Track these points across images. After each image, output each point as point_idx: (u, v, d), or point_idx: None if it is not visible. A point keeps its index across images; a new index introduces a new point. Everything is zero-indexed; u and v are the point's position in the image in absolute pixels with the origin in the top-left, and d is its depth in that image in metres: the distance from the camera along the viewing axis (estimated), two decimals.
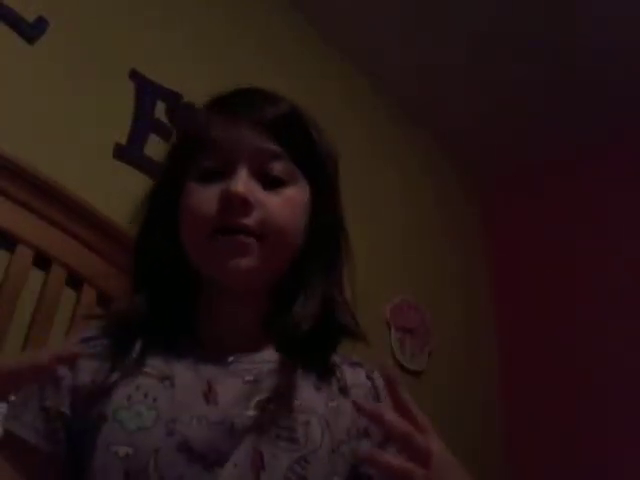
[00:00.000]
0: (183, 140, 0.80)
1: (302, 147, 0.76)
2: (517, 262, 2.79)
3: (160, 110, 1.77)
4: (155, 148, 1.73)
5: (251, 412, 0.68)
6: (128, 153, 1.67)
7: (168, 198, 0.76)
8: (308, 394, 0.72)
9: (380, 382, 0.78)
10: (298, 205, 0.74)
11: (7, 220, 1.33)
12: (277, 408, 0.69)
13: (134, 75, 1.75)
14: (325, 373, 0.75)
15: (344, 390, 0.75)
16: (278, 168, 0.73)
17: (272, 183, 0.73)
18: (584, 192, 2.68)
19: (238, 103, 0.77)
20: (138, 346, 0.72)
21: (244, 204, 0.70)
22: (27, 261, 1.34)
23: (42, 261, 1.38)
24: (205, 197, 0.71)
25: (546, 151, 2.76)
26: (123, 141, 1.67)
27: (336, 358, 0.78)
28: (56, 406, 0.69)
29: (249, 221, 0.70)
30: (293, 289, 0.74)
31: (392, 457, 0.57)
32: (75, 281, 1.43)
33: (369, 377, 0.79)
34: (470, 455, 2.48)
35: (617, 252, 2.50)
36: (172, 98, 1.81)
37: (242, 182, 0.70)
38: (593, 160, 2.69)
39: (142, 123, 1.72)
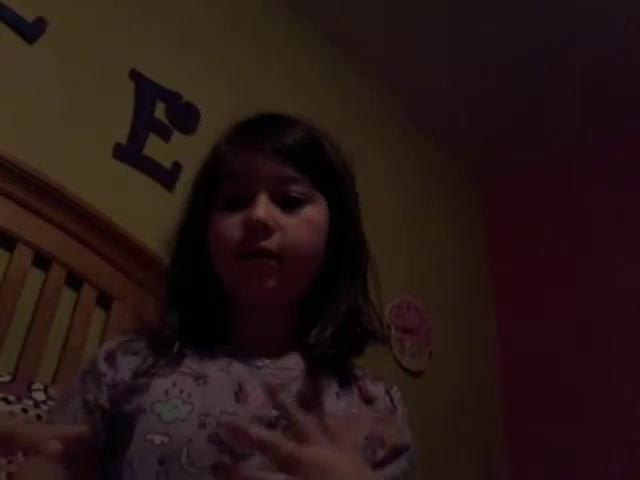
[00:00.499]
0: (206, 170, 0.85)
1: (319, 169, 0.81)
2: (517, 262, 2.79)
3: (160, 110, 1.78)
4: (155, 148, 1.73)
5: (277, 412, 0.71)
6: (128, 153, 1.67)
7: (197, 227, 0.82)
8: (330, 400, 0.76)
9: (397, 396, 0.84)
10: (316, 223, 0.80)
11: (7, 220, 1.33)
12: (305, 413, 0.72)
13: (134, 75, 1.75)
14: (347, 381, 0.80)
15: (367, 400, 0.80)
16: (296, 190, 0.79)
17: (291, 204, 0.78)
18: (584, 192, 2.68)
19: (256, 131, 0.81)
20: (175, 347, 0.78)
21: (265, 228, 0.76)
22: (27, 261, 1.34)
23: (42, 261, 1.38)
24: (230, 224, 0.78)
25: (546, 151, 2.76)
26: (123, 141, 1.67)
27: (358, 371, 0.83)
28: (96, 399, 0.75)
29: (270, 244, 0.76)
30: (319, 301, 0.80)
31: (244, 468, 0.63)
32: (75, 281, 1.43)
33: (387, 392, 0.84)
34: (470, 455, 2.50)
35: (617, 252, 2.50)
36: (172, 98, 1.81)
37: (262, 208, 0.76)
38: (593, 160, 2.69)
39: (142, 123, 1.72)
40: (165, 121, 1.78)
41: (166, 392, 0.73)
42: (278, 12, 2.30)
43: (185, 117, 1.82)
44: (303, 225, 0.78)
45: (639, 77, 2.44)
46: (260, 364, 0.78)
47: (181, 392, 0.73)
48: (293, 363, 0.79)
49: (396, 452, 0.76)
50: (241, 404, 0.73)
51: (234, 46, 2.09)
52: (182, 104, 1.83)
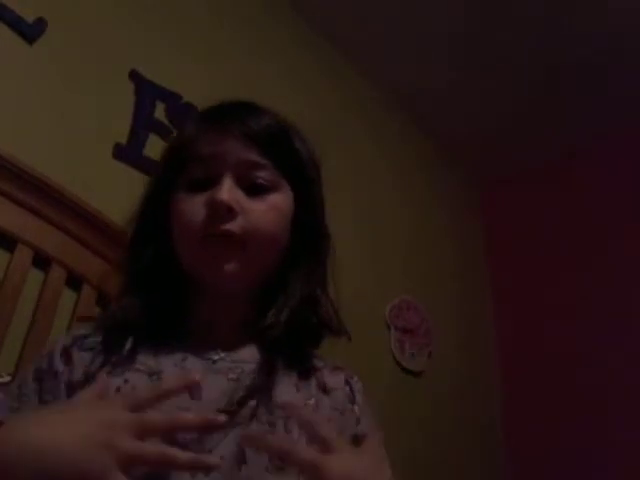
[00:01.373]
0: (173, 152, 0.84)
1: (285, 156, 0.80)
2: (516, 262, 2.79)
3: (160, 110, 1.78)
4: (155, 148, 1.73)
5: (234, 408, 0.71)
6: (128, 153, 1.67)
7: (159, 206, 0.81)
8: (288, 392, 0.75)
9: (357, 386, 0.83)
10: (281, 211, 0.79)
11: (6, 220, 1.32)
12: (257, 404, 0.72)
13: (134, 75, 1.74)
14: (305, 373, 0.79)
15: (324, 389, 0.79)
16: (262, 176, 0.78)
17: (256, 190, 0.78)
18: (583, 192, 2.68)
19: (224, 116, 0.81)
20: (129, 343, 0.76)
21: (228, 211, 0.75)
22: (27, 261, 1.34)
23: (42, 261, 1.38)
24: (194, 205, 0.76)
25: (545, 151, 2.76)
26: (123, 141, 1.67)
27: (318, 362, 0.82)
28: (54, 399, 0.72)
29: (233, 227, 0.75)
30: (276, 291, 0.79)
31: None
32: (75, 281, 1.43)
33: (347, 381, 0.83)
34: (470, 455, 2.50)
35: (617, 252, 2.50)
36: (172, 99, 1.81)
37: (226, 190, 0.75)
38: (592, 160, 2.69)
39: (142, 123, 1.72)
40: (165, 121, 1.78)
41: (117, 389, 0.71)
42: (278, 12, 2.30)
43: (185, 117, 1.82)
44: (267, 211, 0.77)
45: (639, 77, 2.43)
46: (215, 357, 0.76)
47: (133, 389, 0.71)
48: (249, 355, 0.78)
49: (355, 442, 0.75)
50: (195, 400, 0.70)
51: (234, 46, 2.09)
52: (182, 104, 1.83)
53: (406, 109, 2.69)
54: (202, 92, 1.89)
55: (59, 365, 0.74)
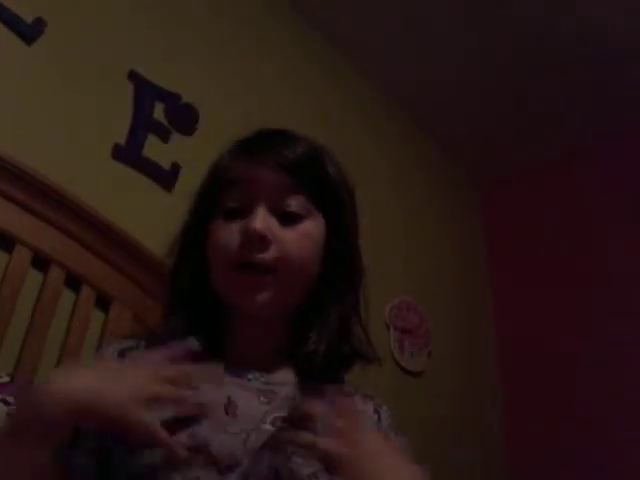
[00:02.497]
0: (209, 182, 0.87)
1: (318, 184, 0.82)
2: (516, 262, 2.78)
3: (159, 111, 1.77)
4: (154, 149, 1.73)
5: (267, 426, 0.74)
6: (127, 154, 1.66)
7: (198, 235, 0.84)
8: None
9: (385, 415, 0.85)
10: (313, 239, 0.81)
11: (5, 221, 1.32)
12: (293, 426, 0.73)
13: (133, 76, 1.74)
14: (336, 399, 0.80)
15: None
16: (294, 204, 0.80)
17: (289, 219, 0.80)
18: (583, 192, 2.68)
19: (259, 146, 0.83)
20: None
21: (262, 240, 0.77)
22: (25, 262, 1.34)
23: (40, 262, 1.37)
24: (228, 234, 0.79)
25: (545, 151, 2.76)
26: (122, 142, 1.67)
27: (349, 388, 0.85)
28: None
29: (266, 256, 0.77)
30: (311, 316, 0.81)
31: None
32: (74, 282, 1.42)
33: (376, 410, 0.85)
34: (470, 455, 2.49)
35: (617, 252, 2.49)
36: (171, 99, 1.81)
37: (260, 219, 0.77)
38: (592, 160, 2.69)
39: (141, 124, 1.71)
40: (164, 122, 1.78)
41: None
42: (278, 12, 2.30)
43: (184, 118, 1.82)
44: (300, 239, 0.79)
45: (639, 77, 2.43)
46: (250, 377, 0.79)
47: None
48: (284, 377, 0.80)
49: None
50: (230, 416, 0.74)
51: (234, 46, 2.08)
52: (181, 105, 1.83)
53: (406, 109, 2.68)
54: (201, 92, 1.89)
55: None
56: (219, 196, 0.82)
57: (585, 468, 2.28)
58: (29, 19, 1.55)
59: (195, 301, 0.83)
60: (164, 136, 1.76)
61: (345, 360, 0.82)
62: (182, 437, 0.70)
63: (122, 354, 0.80)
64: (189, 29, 1.95)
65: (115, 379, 0.68)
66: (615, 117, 2.56)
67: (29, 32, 1.55)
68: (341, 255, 0.84)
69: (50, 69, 1.57)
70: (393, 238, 2.43)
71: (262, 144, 0.83)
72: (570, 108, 2.59)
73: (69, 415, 0.65)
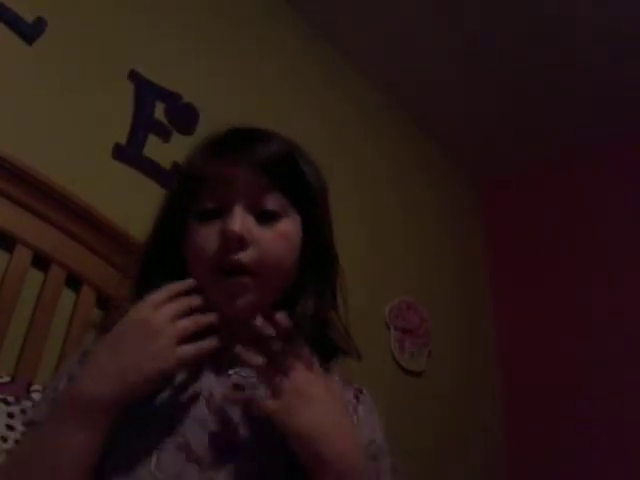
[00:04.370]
0: (182, 182, 0.85)
1: (293, 182, 0.82)
2: (516, 262, 2.79)
3: (159, 111, 1.77)
4: (154, 149, 1.73)
5: (249, 424, 0.74)
6: (127, 154, 1.66)
7: (171, 231, 0.83)
8: None
9: (364, 399, 0.85)
10: (290, 238, 0.81)
11: (6, 220, 1.32)
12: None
13: (133, 76, 1.74)
14: None
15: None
16: (271, 203, 0.79)
17: (266, 217, 0.79)
18: (583, 192, 2.68)
19: (232, 144, 0.82)
20: None
21: (240, 241, 0.76)
22: (26, 262, 1.34)
23: (41, 262, 1.38)
24: (206, 236, 0.78)
25: (545, 151, 2.76)
26: (122, 142, 1.67)
27: (331, 377, 0.83)
28: None
29: (245, 258, 0.76)
30: (288, 309, 0.80)
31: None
32: (74, 282, 1.43)
33: (356, 396, 0.85)
34: (470, 455, 2.49)
35: (617, 252, 2.50)
36: (171, 99, 1.81)
37: (237, 220, 0.76)
38: (592, 160, 2.69)
39: (141, 124, 1.71)
40: (165, 122, 1.78)
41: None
42: (278, 12, 2.30)
43: (185, 118, 1.82)
44: (278, 239, 0.79)
45: (639, 77, 2.43)
46: (231, 372, 0.80)
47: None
48: None
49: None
50: (212, 414, 0.74)
51: (234, 46, 2.08)
52: (182, 104, 1.83)
53: (406, 109, 2.69)
54: (202, 92, 1.89)
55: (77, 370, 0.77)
56: (193, 197, 0.81)
57: (585, 468, 2.28)
58: (29, 19, 1.55)
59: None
60: (165, 136, 1.76)
61: (325, 352, 0.82)
62: (164, 432, 0.72)
63: (84, 356, 0.79)
64: (189, 29, 1.95)
65: (140, 343, 0.70)
66: (615, 117, 2.56)
67: (29, 32, 1.55)
68: (317, 251, 0.84)
69: (50, 69, 1.57)
70: (393, 238, 2.43)
71: (236, 143, 0.82)
72: (570, 108, 2.59)
73: (119, 396, 0.68)
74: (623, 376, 2.31)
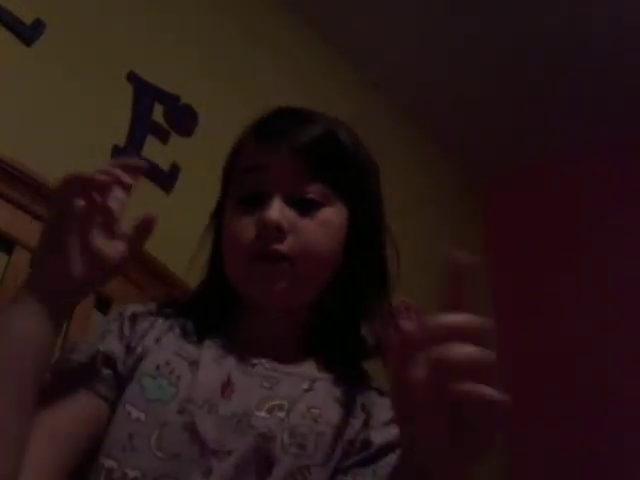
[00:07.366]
0: (226, 169, 0.84)
1: (337, 168, 0.78)
2: (516, 262, 2.78)
3: (158, 112, 1.77)
4: (153, 150, 1.73)
5: (262, 414, 0.70)
6: (126, 155, 1.66)
7: (217, 226, 0.83)
8: (328, 406, 0.73)
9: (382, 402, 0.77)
10: (333, 227, 0.77)
11: (5, 222, 1.33)
12: (291, 415, 0.70)
13: (132, 77, 1.74)
14: (350, 390, 0.76)
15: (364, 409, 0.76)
16: (312, 191, 0.76)
17: (307, 207, 0.76)
18: (584, 191, 2.68)
19: (272, 130, 0.79)
20: (178, 330, 0.78)
21: (278, 230, 0.73)
22: (25, 263, 1.34)
23: None
24: (243, 225, 0.76)
25: (545, 151, 2.75)
26: (121, 143, 1.67)
27: (370, 382, 0.80)
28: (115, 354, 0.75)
29: (283, 247, 0.74)
30: (333, 306, 0.77)
31: None
32: None
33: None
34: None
35: (617, 252, 2.49)
36: (170, 100, 1.81)
37: (275, 209, 0.74)
38: (592, 160, 2.68)
39: (140, 125, 1.72)
40: (163, 123, 1.78)
41: (157, 367, 0.73)
42: (278, 12, 2.30)
43: (183, 119, 1.82)
44: (318, 228, 0.75)
45: (639, 77, 2.43)
46: (255, 361, 0.76)
47: (171, 373, 0.72)
48: (296, 370, 0.77)
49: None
50: (225, 399, 0.71)
51: (233, 47, 2.08)
52: (180, 106, 1.83)
53: (406, 110, 2.68)
54: (201, 94, 1.89)
55: (126, 329, 0.77)
56: (233, 184, 0.79)
57: (585, 468, 2.28)
58: (28, 20, 1.55)
59: (209, 291, 0.82)
60: (163, 137, 1.76)
61: (363, 352, 0.79)
62: (172, 410, 0.69)
63: (134, 317, 0.79)
64: (188, 30, 1.95)
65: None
66: (615, 117, 2.56)
67: (28, 33, 1.55)
68: (365, 241, 0.79)
69: (49, 70, 1.58)
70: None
71: (276, 127, 0.79)
72: (570, 108, 2.58)
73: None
74: (624, 375, 2.31)
